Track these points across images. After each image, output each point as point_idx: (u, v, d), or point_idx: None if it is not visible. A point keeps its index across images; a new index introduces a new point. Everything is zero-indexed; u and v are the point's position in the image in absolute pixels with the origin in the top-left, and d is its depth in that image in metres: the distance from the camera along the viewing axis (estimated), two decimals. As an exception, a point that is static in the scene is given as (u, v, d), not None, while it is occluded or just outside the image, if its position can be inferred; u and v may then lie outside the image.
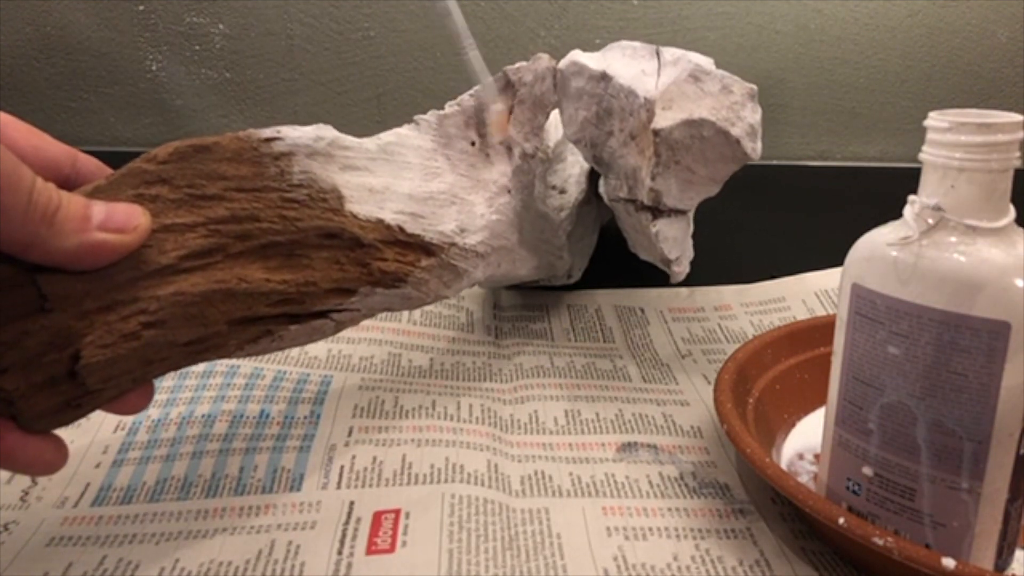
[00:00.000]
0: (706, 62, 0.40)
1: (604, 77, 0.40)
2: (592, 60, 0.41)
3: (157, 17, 0.77)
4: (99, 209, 0.26)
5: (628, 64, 0.41)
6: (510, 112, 0.41)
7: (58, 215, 0.24)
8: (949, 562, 0.25)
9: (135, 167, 0.29)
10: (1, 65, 0.78)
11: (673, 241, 0.42)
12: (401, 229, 0.35)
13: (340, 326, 0.34)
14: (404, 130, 0.38)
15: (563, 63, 0.41)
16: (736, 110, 0.39)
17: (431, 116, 0.39)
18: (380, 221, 0.34)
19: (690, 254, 0.44)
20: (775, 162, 0.84)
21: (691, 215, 0.44)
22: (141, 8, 0.77)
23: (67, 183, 0.28)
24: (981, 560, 0.27)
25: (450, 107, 0.40)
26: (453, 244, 0.37)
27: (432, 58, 0.80)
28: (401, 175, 0.36)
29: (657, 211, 0.41)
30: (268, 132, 0.32)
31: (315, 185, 0.32)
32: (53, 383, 0.26)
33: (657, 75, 0.40)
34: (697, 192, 0.41)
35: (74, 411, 0.27)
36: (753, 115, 0.39)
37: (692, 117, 0.38)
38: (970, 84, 0.84)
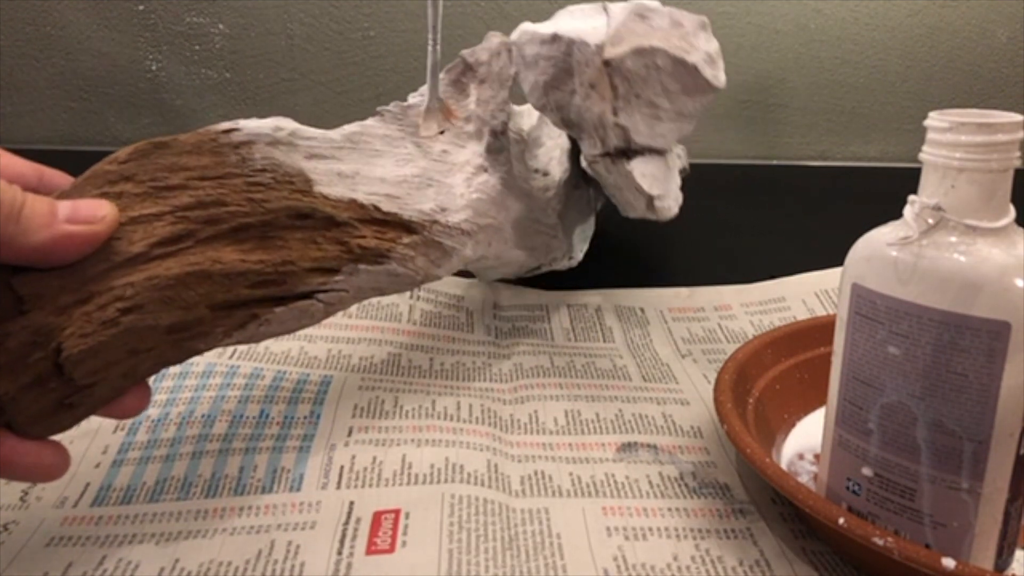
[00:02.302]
0: (652, 2, 0.41)
1: (555, 38, 0.40)
2: (542, 26, 0.42)
3: (157, 17, 0.77)
4: (64, 205, 0.26)
5: (578, 24, 0.42)
6: (448, 113, 0.40)
7: (24, 212, 0.25)
8: (949, 562, 0.25)
9: (98, 169, 0.29)
10: (1, 65, 0.78)
11: (652, 178, 0.42)
12: (376, 208, 0.35)
13: (329, 308, 0.34)
14: (369, 121, 0.38)
15: (514, 34, 0.42)
16: (689, 39, 0.39)
17: (394, 107, 0.39)
18: (353, 200, 0.34)
19: (677, 196, 0.44)
20: (775, 162, 0.84)
21: (672, 160, 0.44)
22: (141, 8, 0.77)
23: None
24: (981, 560, 0.27)
25: (413, 98, 0.40)
26: (435, 222, 0.37)
27: (432, 58, 0.79)
28: (372, 162, 0.36)
29: (631, 152, 0.41)
30: (226, 124, 0.32)
31: (279, 169, 0.32)
32: (41, 382, 0.26)
33: (608, 27, 0.41)
34: (668, 129, 0.41)
35: (69, 412, 0.27)
36: (708, 44, 0.39)
37: (643, 46, 0.38)
38: (970, 84, 0.84)
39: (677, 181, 0.45)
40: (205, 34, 0.78)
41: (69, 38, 0.78)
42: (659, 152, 0.42)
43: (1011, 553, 0.28)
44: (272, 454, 0.35)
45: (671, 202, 0.44)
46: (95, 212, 0.27)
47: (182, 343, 0.29)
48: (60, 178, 0.29)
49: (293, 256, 0.32)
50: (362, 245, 0.34)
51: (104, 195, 0.28)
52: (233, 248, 0.30)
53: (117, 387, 0.28)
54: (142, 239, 0.28)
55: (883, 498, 0.28)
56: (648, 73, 0.39)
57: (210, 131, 0.31)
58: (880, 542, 0.26)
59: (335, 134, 0.36)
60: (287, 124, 0.34)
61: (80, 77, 0.79)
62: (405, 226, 0.36)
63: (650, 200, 0.43)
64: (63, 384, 0.26)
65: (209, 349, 0.30)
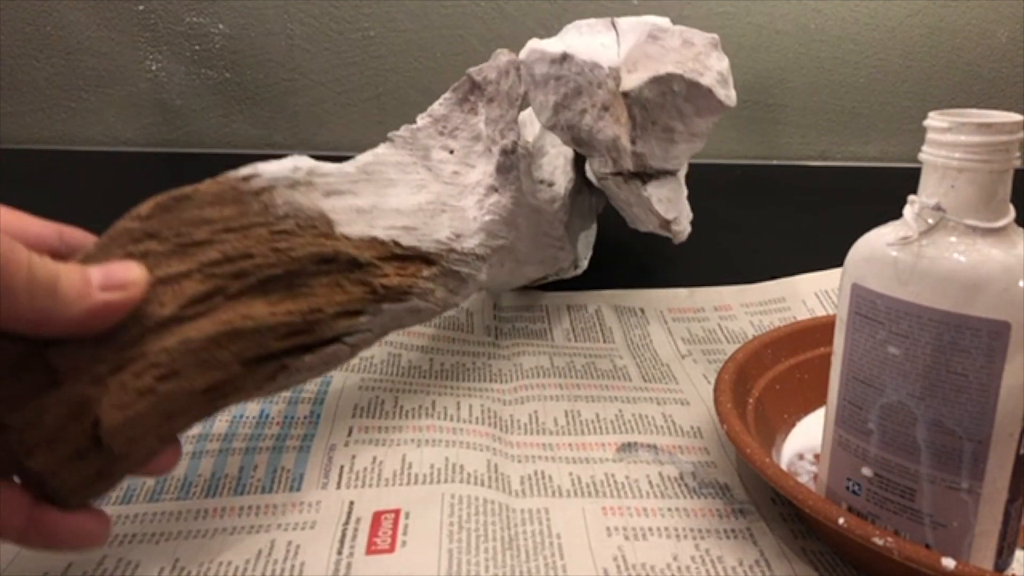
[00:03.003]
0: (663, 21, 0.40)
1: (565, 57, 0.40)
2: (551, 44, 0.41)
3: (157, 17, 0.77)
4: (97, 271, 0.26)
5: (587, 40, 0.41)
6: None
7: (60, 284, 0.24)
8: (949, 562, 0.25)
9: (120, 228, 0.28)
10: (1, 65, 0.78)
11: (667, 202, 0.42)
12: (396, 243, 0.35)
13: (355, 349, 0.34)
14: (380, 149, 0.38)
15: (523, 53, 0.41)
16: (702, 60, 0.39)
17: (404, 131, 0.39)
18: (374, 239, 0.34)
19: (688, 214, 0.44)
20: (775, 162, 0.84)
21: (682, 175, 0.44)
22: (141, 8, 0.77)
23: (57, 257, 0.27)
24: (981, 560, 0.27)
25: (422, 119, 0.40)
26: (452, 250, 0.37)
27: (432, 58, 0.79)
28: (386, 192, 0.36)
29: (645, 176, 0.41)
30: (245, 171, 0.32)
31: (302, 214, 0.32)
32: (80, 455, 0.26)
33: (617, 45, 0.40)
34: (681, 151, 0.41)
35: (107, 480, 0.27)
36: (720, 63, 0.39)
37: (659, 73, 0.38)
38: (970, 84, 0.84)
39: (685, 191, 0.45)
40: (205, 34, 0.78)
41: (69, 38, 0.78)
42: (672, 173, 0.42)
43: (1011, 553, 0.28)
44: (272, 454, 0.35)
45: (684, 222, 0.43)
46: (127, 276, 0.26)
47: (215, 401, 0.29)
48: (80, 236, 0.29)
49: (320, 303, 0.32)
50: (385, 284, 0.34)
51: (129, 255, 0.28)
52: (262, 301, 0.30)
53: (152, 449, 0.28)
54: (172, 300, 0.28)
55: (883, 498, 0.28)
56: (664, 99, 0.38)
57: (230, 179, 0.31)
58: (880, 542, 0.26)
59: (350, 167, 0.36)
60: (303, 163, 0.34)
61: (80, 77, 0.79)
62: (424, 258, 0.36)
63: (666, 223, 0.43)
64: (101, 455, 0.26)
65: (240, 402, 0.30)
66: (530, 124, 0.49)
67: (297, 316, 0.31)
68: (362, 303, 0.33)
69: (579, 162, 0.50)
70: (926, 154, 0.26)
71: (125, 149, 0.80)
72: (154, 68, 0.79)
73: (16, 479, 0.26)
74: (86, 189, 0.70)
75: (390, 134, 0.39)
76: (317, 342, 0.32)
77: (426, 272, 0.36)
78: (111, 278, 0.26)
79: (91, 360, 0.26)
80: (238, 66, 0.79)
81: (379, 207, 0.35)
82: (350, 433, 0.37)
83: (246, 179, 0.31)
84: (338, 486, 0.33)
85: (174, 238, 0.29)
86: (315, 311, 0.31)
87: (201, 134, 0.80)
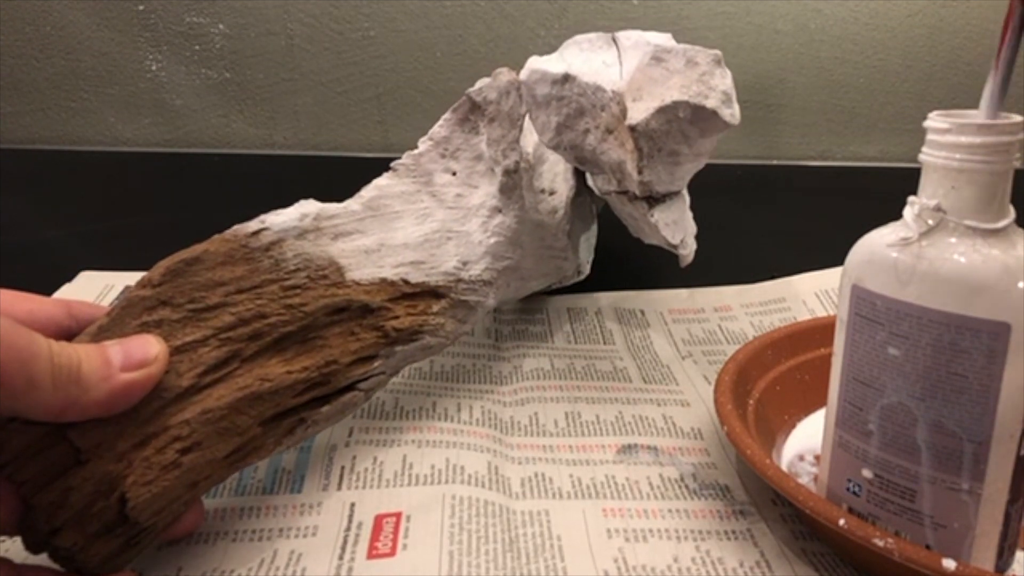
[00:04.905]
0: (665, 39, 0.40)
1: (567, 78, 0.39)
2: (552, 63, 0.40)
3: (157, 17, 0.77)
4: (116, 351, 0.26)
5: (588, 59, 0.41)
6: None
7: (82, 370, 0.24)
8: (949, 563, 0.25)
9: (132, 296, 0.28)
10: (1, 65, 0.78)
11: (674, 225, 0.41)
12: (405, 282, 0.35)
13: (369, 393, 0.34)
14: (384, 180, 0.38)
15: (524, 73, 0.41)
16: (706, 81, 0.38)
17: (406, 159, 0.39)
18: (383, 280, 0.34)
19: (692, 230, 0.43)
20: (775, 162, 0.84)
21: (685, 191, 0.44)
22: (141, 8, 0.77)
23: (69, 334, 0.28)
24: (982, 561, 0.27)
25: (423, 144, 0.40)
26: (459, 280, 0.37)
27: (432, 58, 0.79)
28: (392, 227, 0.36)
29: (651, 199, 0.41)
30: (253, 225, 0.32)
31: (312, 264, 0.32)
32: (108, 529, 0.26)
33: (619, 63, 0.40)
34: (687, 171, 0.41)
35: (135, 549, 0.27)
36: (723, 81, 0.38)
37: (665, 103, 0.37)
38: (970, 84, 0.84)
39: (688, 200, 0.45)
40: (205, 34, 0.78)
41: (69, 38, 0.78)
42: (677, 192, 0.42)
43: (1011, 554, 0.28)
44: (272, 454, 0.35)
45: (690, 242, 0.43)
46: (147, 353, 0.26)
47: (236, 463, 0.29)
48: (87, 308, 0.29)
49: (334, 354, 0.32)
50: (396, 327, 0.34)
51: (144, 325, 0.28)
52: (278, 360, 0.30)
53: (176, 515, 0.28)
54: (189, 370, 0.28)
55: (883, 499, 0.28)
56: (670, 127, 0.38)
57: (238, 235, 0.31)
58: (880, 543, 0.26)
59: (355, 204, 0.36)
60: (310, 208, 0.34)
61: (80, 77, 0.79)
62: (433, 293, 0.36)
63: (673, 247, 0.42)
64: (129, 528, 0.26)
65: (260, 460, 0.31)
66: (529, 133, 0.49)
67: (313, 371, 0.31)
68: (375, 348, 0.33)
69: (579, 170, 0.50)
70: (926, 155, 0.26)
71: (125, 149, 0.80)
72: (154, 68, 0.79)
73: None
74: (86, 189, 0.70)
75: (393, 163, 0.39)
76: (333, 392, 0.32)
77: (435, 307, 0.36)
78: (131, 356, 0.26)
79: (113, 436, 0.26)
80: (238, 66, 0.79)
81: (387, 244, 0.35)
82: (351, 434, 0.37)
83: (255, 234, 0.32)
84: (339, 487, 0.33)
85: (187, 304, 0.29)
86: (330, 363, 0.32)
87: (201, 134, 0.80)
